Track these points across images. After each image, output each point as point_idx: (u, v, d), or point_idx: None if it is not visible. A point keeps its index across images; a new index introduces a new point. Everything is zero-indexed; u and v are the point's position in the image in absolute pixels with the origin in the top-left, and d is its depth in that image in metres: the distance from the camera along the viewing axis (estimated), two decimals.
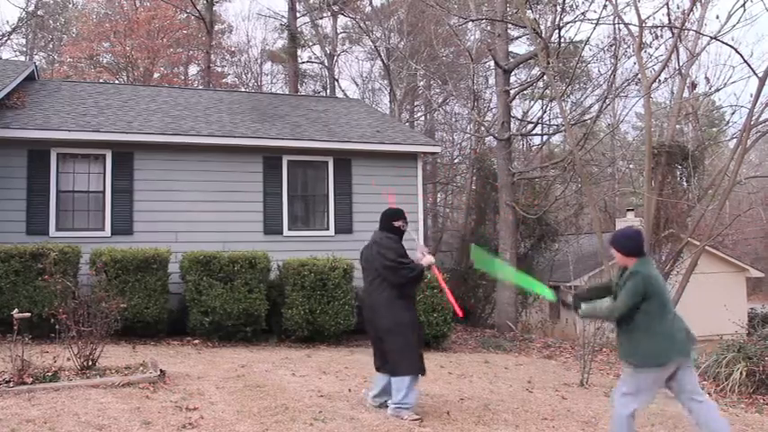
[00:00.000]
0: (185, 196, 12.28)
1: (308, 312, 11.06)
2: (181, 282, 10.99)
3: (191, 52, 34.01)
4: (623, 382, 5.18)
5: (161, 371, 7.08)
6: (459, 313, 6.95)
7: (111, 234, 11.78)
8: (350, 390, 7.34)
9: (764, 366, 8.70)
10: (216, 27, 32.74)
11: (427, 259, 6.39)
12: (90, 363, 7.00)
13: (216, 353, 9.84)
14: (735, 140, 15.84)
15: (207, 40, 30.20)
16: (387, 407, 6.25)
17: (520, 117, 22.47)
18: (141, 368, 7.27)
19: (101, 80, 26.99)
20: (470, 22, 20.28)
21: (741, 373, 8.80)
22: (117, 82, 27.73)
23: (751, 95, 13.56)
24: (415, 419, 5.99)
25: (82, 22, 32.82)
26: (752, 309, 24.79)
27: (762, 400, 8.32)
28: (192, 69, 36.27)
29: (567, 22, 17.35)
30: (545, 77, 18.42)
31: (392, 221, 6.51)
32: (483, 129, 22.16)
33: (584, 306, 5.34)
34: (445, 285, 7.15)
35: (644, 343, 4.95)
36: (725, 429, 4.98)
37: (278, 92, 31.22)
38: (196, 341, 10.68)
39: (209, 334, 10.75)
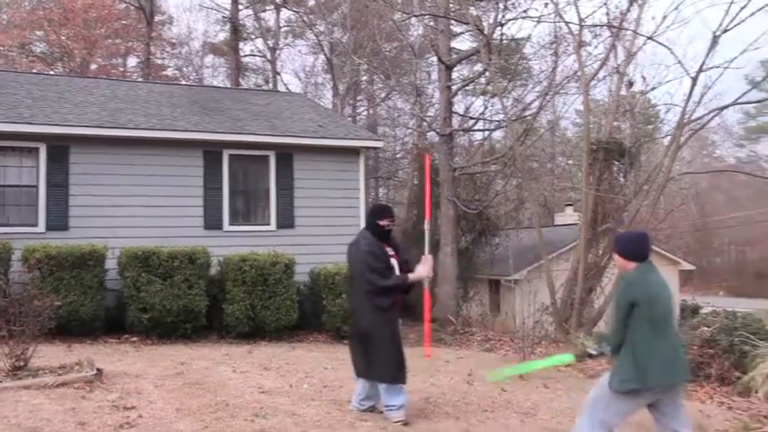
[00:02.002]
0: (123, 191, 12.00)
1: (248, 308, 10.97)
2: (119, 278, 10.76)
3: (130, 43, 33.23)
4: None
5: (98, 370, 6.93)
6: (427, 354, 6.35)
7: (46, 230, 11.44)
8: (291, 385, 7.32)
9: (693, 355, 8.97)
10: (156, 18, 32.06)
11: (416, 274, 5.95)
12: (22, 363, 6.79)
13: (155, 350, 9.68)
14: (669, 138, 16.30)
15: (147, 31, 29.58)
16: (373, 410, 6.12)
17: (462, 113, 22.66)
18: (77, 367, 7.09)
19: (34, 70, 26.17)
20: (413, 18, 20.36)
21: None
22: (51, 73, 26.93)
23: (684, 95, 13.99)
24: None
25: (13, 9, 31.70)
26: (684, 300, 25.52)
27: (690, 388, 8.58)
28: (132, 61, 35.48)
29: (509, 20, 17.60)
30: (487, 74, 18.63)
31: (376, 219, 6.02)
32: (425, 124, 22.29)
33: (604, 344, 4.79)
34: (427, 314, 6.43)
35: (626, 360, 4.47)
36: None
37: (219, 85, 30.81)
38: (134, 339, 10.49)
39: (147, 331, 10.57)
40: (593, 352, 4.84)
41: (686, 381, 4.67)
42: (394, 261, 6.02)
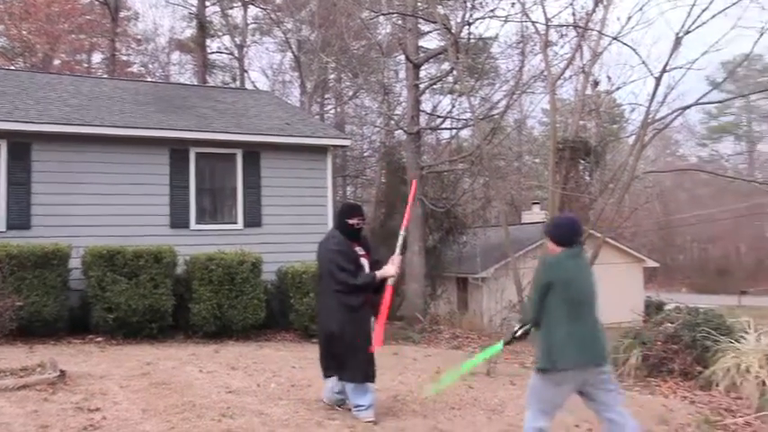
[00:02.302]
0: (88, 189, 11.81)
1: (215, 307, 10.89)
2: (83, 278, 10.60)
3: (94, 39, 32.69)
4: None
5: (61, 371, 6.81)
6: (375, 344, 5.85)
7: (7, 229, 11.18)
8: (258, 385, 7.29)
9: (657, 351, 9.13)
10: (121, 14, 31.63)
11: (383, 272, 5.86)
12: None
13: (120, 350, 9.56)
14: (633, 137, 16.52)
15: (111, 27, 29.15)
16: (344, 403, 6.09)
17: (429, 111, 22.70)
18: (39, 369, 6.97)
19: None
20: (381, 16, 20.36)
21: (637, 358, 9.21)
22: (13, 68, 26.40)
23: (648, 94, 14.19)
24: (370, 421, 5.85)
25: None
26: (648, 297, 25.95)
27: (654, 382, 8.73)
28: (96, 57, 34.94)
29: (477, 19, 17.67)
30: (454, 72, 18.70)
31: (345, 218, 5.98)
32: (393, 122, 22.32)
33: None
34: (385, 311, 5.99)
35: (542, 342, 4.57)
36: None
37: (186, 82, 30.51)
38: (99, 339, 10.34)
39: (113, 331, 10.42)
40: (519, 333, 4.89)
41: (603, 364, 4.64)
42: (364, 260, 5.99)
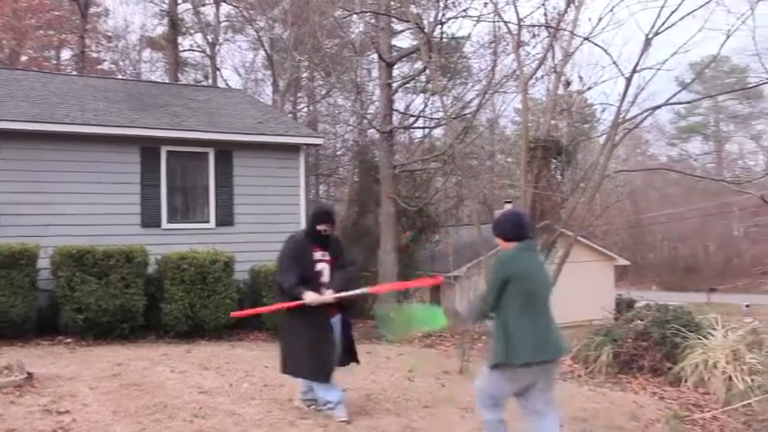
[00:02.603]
0: (57, 188, 11.66)
1: (187, 307, 10.82)
2: (52, 278, 10.46)
3: (63, 36, 32.24)
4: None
5: (28, 373, 6.72)
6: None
7: None
8: (231, 385, 7.25)
9: (628, 348, 9.25)
10: (91, 10, 31.24)
11: (305, 295, 5.63)
12: None
13: (90, 351, 9.45)
14: (605, 136, 16.64)
15: (81, 23, 28.78)
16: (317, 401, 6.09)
17: (402, 110, 22.71)
18: (6, 371, 6.85)
19: None
20: (354, 15, 20.33)
21: (608, 355, 9.32)
22: None
23: (619, 94, 14.30)
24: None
25: None
26: (619, 294, 26.20)
27: (625, 379, 8.85)
28: (65, 54, 34.45)
29: (449, 18, 17.68)
30: (427, 71, 18.72)
31: (314, 223, 5.93)
32: (365, 121, 22.28)
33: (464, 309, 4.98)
34: (272, 308, 6.20)
35: (500, 338, 4.50)
36: None
37: (157, 80, 30.20)
38: (69, 340, 10.21)
39: (82, 332, 10.30)
40: (464, 313, 4.89)
41: (558, 359, 4.67)
42: (324, 265, 5.92)
